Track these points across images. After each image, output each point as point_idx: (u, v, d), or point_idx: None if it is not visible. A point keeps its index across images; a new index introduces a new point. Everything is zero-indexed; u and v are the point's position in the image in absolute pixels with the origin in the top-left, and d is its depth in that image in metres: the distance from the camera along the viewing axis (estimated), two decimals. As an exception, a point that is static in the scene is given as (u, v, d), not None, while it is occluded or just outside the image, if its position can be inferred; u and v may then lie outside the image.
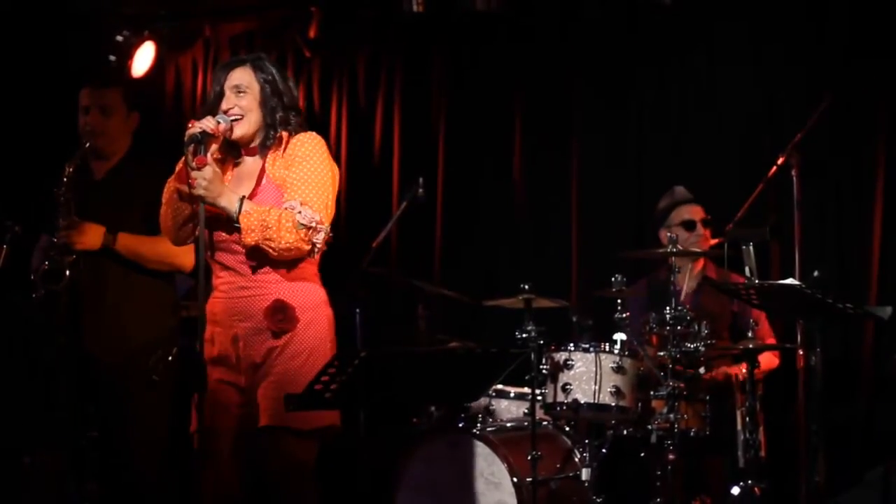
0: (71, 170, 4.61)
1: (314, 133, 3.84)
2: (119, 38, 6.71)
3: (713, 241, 5.50)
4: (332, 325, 3.85)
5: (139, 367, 4.64)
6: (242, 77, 3.77)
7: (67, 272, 4.60)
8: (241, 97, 3.75)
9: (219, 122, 3.68)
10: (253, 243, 3.63)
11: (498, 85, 6.63)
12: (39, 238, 4.83)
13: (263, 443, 3.70)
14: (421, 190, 5.66)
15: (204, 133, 3.62)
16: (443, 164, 6.72)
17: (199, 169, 3.58)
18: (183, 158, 3.68)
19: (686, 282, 5.56)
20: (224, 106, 3.75)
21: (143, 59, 6.83)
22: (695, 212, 5.54)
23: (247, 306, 3.74)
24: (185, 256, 4.56)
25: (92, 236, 4.62)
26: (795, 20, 5.95)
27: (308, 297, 3.78)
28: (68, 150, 4.72)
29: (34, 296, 4.66)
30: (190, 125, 3.63)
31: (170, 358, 4.61)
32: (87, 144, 4.73)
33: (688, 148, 6.18)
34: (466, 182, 6.69)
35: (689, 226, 5.50)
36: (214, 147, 3.71)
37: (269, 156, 3.79)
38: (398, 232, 6.58)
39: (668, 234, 5.24)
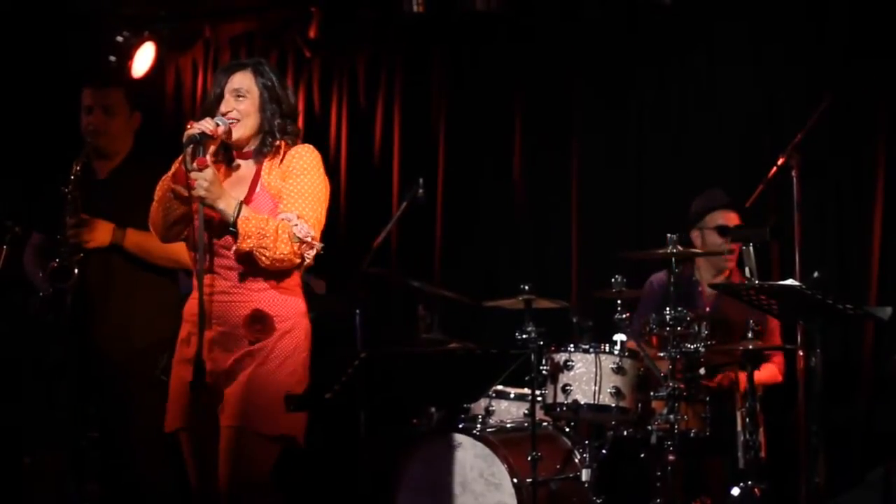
0: (78, 168, 4.62)
1: (311, 146, 3.85)
2: (119, 38, 6.71)
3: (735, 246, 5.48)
4: (308, 337, 3.84)
5: (142, 365, 4.65)
6: (243, 81, 3.77)
7: (76, 270, 4.61)
8: (240, 101, 3.76)
9: (217, 125, 3.69)
10: (247, 249, 3.62)
11: (498, 85, 6.63)
12: (31, 236, 4.83)
13: (225, 441, 3.69)
14: (421, 190, 5.66)
15: (203, 134, 3.62)
16: (443, 165, 6.72)
17: (199, 170, 3.58)
18: (179, 158, 3.69)
19: (707, 285, 5.54)
20: (223, 109, 3.75)
21: (144, 59, 6.84)
22: (730, 218, 5.48)
23: (226, 311, 3.73)
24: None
25: (101, 233, 4.64)
26: (795, 20, 5.95)
27: (288, 307, 3.77)
28: (67, 151, 4.72)
29: (41, 294, 4.66)
30: (189, 126, 3.64)
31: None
32: (90, 143, 4.74)
33: (688, 148, 6.18)
34: (466, 182, 6.69)
35: (723, 231, 5.46)
36: (213, 149, 3.72)
37: (265, 163, 3.80)
38: (398, 232, 6.58)
39: (670, 235, 5.22)
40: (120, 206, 4.68)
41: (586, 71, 6.44)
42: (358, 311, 5.59)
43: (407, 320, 5.82)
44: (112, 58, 6.71)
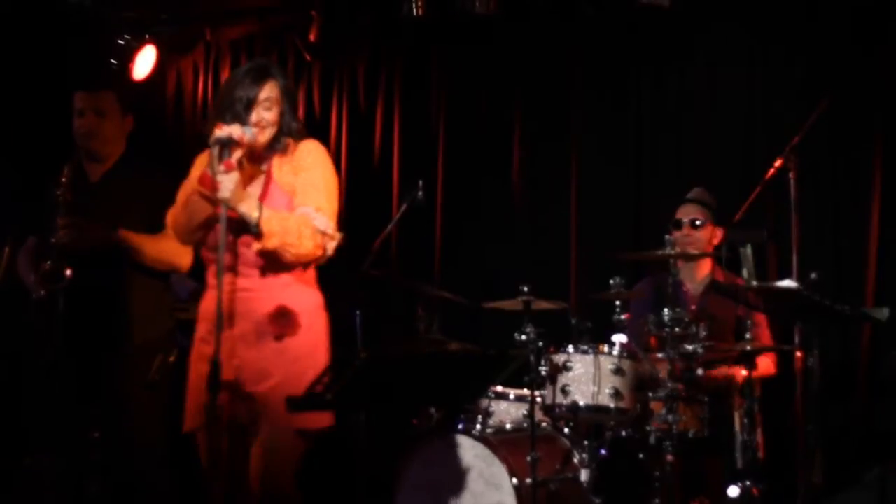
0: (69, 171, 4.63)
1: (317, 142, 3.93)
2: (120, 41, 6.73)
3: (716, 242, 5.53)
4: (328, 329, 3.92)
5: (137, 367, 4.66)
6: (272, 91, 3.83)
7: (68, 272, 4.61)
8: (269, 112, 3.82)
9: (244, 133, 3.71)
10: (273, 248, 3.67)
11: (497, 87, 6.65)
12: (26, 240, 4.84)
13: (263, 443, 3.75)
14: (421, 193, 5.67)
15: (230, 138, 3.66)
16: (442, 167, 6.74)
17: (225, 173, 3.62)
18: (198, 160, 3.76)
19: (692, 284, 5.57)
20: (254, 119, 3.79)
21: (145, 62, 6.86)
22: (683, 211, 5.56)
23: (246, 307, 3.78)
24: (183, 256, 4.60)
25: (92, 234, 4.64)
26: (795, 20, 5.97)
27: (307, 301, 3.86)
28: (64, 153, 4.74)
29: (34, 297, 4.67)
30: (218, 128, 3.67)
31: (171, 359, 4.63)
32: (81, 146, 4.75)
33: (687, 148, 6.20)
34: (466, 183, 6.70)
35: (693, 224, 5.53)
36: (237, 154, 3.71)
37: (274, 160, 3.87)
38: (398, 234, 6.60)
39: (668, 236, 5.24)
40: (112, 209, 4.68)
41: (585, 72, 6.46)
42: (358, 312, 5.60)
43: (406, 321, 5.83)
44: (113, 61, 6.73)
